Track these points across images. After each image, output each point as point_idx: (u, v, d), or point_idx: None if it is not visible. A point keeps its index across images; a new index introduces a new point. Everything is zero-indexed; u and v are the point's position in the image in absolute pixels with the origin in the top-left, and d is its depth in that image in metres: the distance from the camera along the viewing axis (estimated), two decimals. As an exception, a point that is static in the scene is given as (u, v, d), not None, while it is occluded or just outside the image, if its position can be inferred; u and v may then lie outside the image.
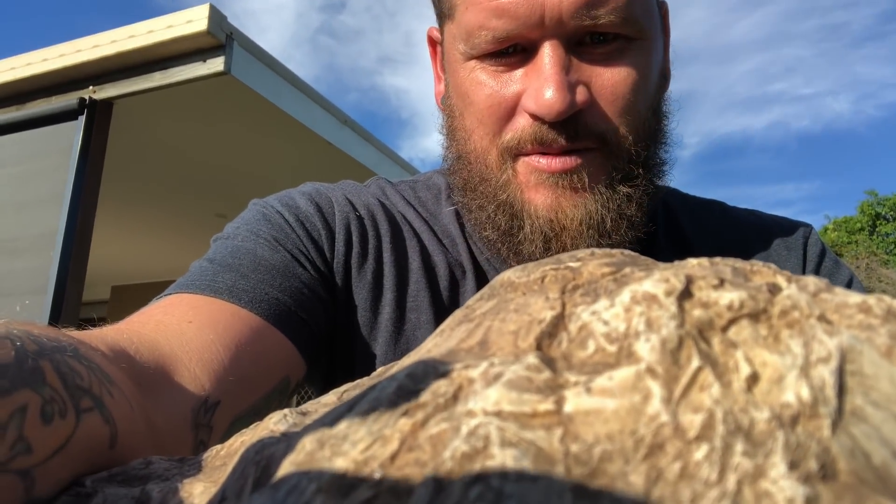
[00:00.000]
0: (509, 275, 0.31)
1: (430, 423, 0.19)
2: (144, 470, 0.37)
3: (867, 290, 0.68)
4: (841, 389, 0.16)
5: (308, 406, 0.35)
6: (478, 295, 0.32)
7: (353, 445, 0.19)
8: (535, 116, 0.58)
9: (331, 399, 0.37)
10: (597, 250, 0.31)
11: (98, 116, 3.15)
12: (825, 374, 0.16)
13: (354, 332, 0.67)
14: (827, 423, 0.15)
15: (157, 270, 6.69)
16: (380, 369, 0.40)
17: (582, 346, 0.20)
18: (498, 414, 0.18)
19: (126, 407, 0.40)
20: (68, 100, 3.14)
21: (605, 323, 0.20)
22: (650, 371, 0.17)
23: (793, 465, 0.14)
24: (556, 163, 0.59)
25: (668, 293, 0.20)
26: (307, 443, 0.21)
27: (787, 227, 0.72)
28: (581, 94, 0.57)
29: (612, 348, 0.19)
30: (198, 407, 0.50)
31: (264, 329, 0.59)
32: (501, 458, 0.16)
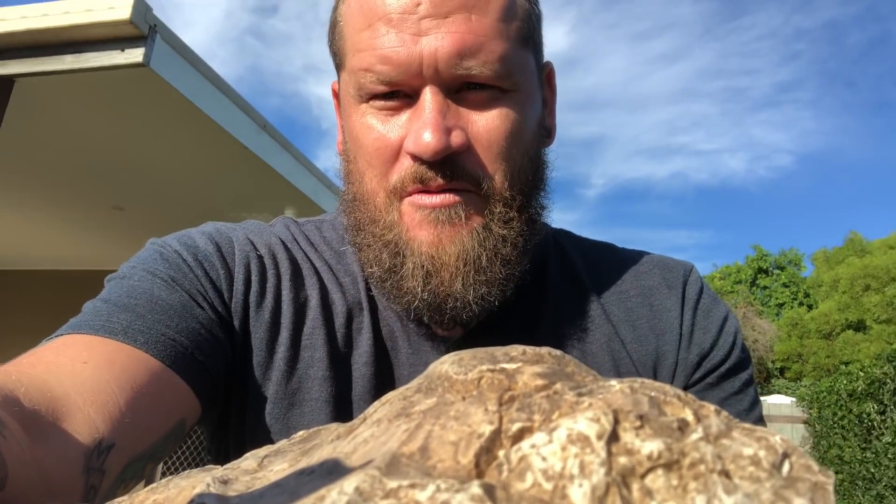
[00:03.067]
0: (447, 368, 0.33)
1: (382, 546, 0.21)
2: (46, 521, 0.36)
3: (743, 338, 0.75)
4: (735, 547, 0.19)
5: (228, 472, 0.36)
6: (415, 385, 0.34)
7: (311, 566, 0.20)
8: (415, 157, 0.63)
9: (250, 464, 0.37)
10: (527, 349, 0.34)
11: (-5, 91, 2.94)
12: (723, 532, 0.19)
13: (250, 372, 0.68)
14: (723, 584, 0.18)
15: (44, 258, 6.25)
16: (300, 434, 0.41)
17: (520, 477, 0.22)
18: (447, 548, 0.20)
19: (18, 449, 0.39)
20: (-37, 70, 2.92)
21: (544, 459, 0.22)
22: (581, 517, 0.20)
23: None
24: (436, 199, 0.64)
25: (599, 436, 0.23)
26: (260, 551, 0.22)
27: (669, 267, 0.78)
28: (457, 138, 0.62)
29: (548, 486, 0.22)
30: (90, 450, 0.49)
31: (160, 371, 0.59)
32: None
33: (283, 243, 0.74)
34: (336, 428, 0.37)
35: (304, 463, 0.33)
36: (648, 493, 0.21)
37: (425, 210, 0.64)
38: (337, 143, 0.76)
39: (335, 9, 0.70)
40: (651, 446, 0.22)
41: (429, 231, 0.64)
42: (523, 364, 0.31)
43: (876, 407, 10.16)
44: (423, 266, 0.64)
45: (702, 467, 0.22)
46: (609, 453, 0.22)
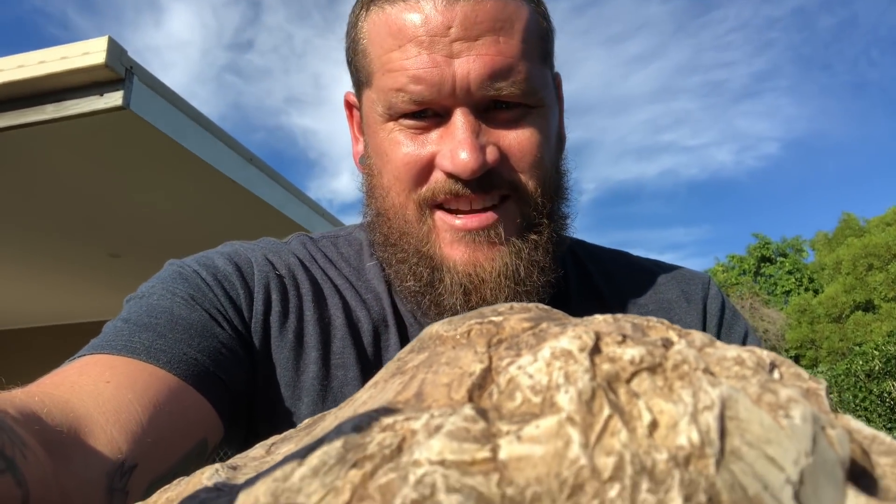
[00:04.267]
0: (437, 328, 0.33)
1: (379, 474, 0.21)
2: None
3: (754, 329, 0.75)
4: (722, 433, 0.19)
5: (237, 460, 0.36)
6: (408, 348, 0.34)
7: (308, 497, 0.20)
8: (450, 175, 0.64)
9: (258, 452, 0.37)
10: (515, 304, 0.34)
11: (-21, 149, 2.95)
12: (710, 419, 0.20)
13: (275, 392, 0.68)
14: (712, 462, 0.18)
15: (40, 314, 6.23)
16: (306, 420, 0.41)
17: (510, 397, 0.23)
18: (441, 463, 0.20)
19: (40, 470, 0.39)
20: (-54, 130, 2.93)
21: (530, 376, 0.23)
22: (570, 419, 0.20)
23: (687, 499, 0.17)
24: (473, 221, 0.65)
25: (582, 349, 0.23)
26: (260, 496, 0.22)
27: (687, 279, 0.79)
28: (491, 154, 0.64)
29: (537, 399, 0.22)
30: (113, 471, 0.49)
31: (182, 389, 0.59)
32: (447, 503, 0.18)
33: (302, 262, 0.74)
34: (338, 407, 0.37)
35: (309, 440, 0.33)
36: (635, 394, 0.21)
37: (460, 232, 0.65)
38: (353, 154, 0.77)
39: (354, 26, 0.71)
40: (633, 352, 0.23)
41: (463, 251, 0.65)
42: (510, 315, 0.32)
43: (896, 384, 10.11)
44: (461, 284, 0.65)
45: (685, 367, 0.22)
46: (592, 363, 0.22)
